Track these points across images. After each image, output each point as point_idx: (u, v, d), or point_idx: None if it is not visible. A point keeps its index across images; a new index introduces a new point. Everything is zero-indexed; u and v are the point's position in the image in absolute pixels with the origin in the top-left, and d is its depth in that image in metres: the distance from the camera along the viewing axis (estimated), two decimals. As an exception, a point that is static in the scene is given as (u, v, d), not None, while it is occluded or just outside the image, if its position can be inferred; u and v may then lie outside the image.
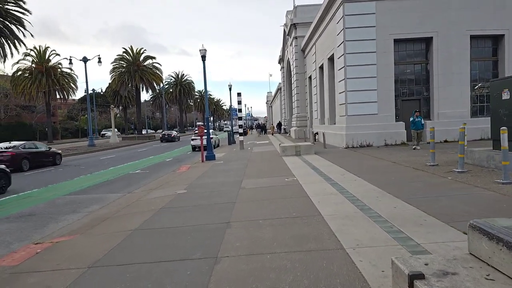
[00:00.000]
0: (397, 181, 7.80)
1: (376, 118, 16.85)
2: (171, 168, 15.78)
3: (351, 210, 5.61)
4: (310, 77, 28.85)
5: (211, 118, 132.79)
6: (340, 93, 17.93)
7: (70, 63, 32.54)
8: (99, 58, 34.42)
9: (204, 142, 17.56)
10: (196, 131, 21.61)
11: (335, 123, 20.52)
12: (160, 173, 14.42)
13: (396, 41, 16.96)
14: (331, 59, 20.94)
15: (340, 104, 17.97)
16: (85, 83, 32.46)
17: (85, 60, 32.52)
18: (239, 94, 23.48)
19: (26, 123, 61.02)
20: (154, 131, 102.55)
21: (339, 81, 17.89)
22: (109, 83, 52.08)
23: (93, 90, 58.80)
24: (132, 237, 5.16)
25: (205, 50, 17.39)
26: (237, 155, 18.73)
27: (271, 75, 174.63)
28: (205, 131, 17.40)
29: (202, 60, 17.36)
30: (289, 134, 36.51)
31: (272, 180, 9.31)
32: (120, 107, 76.20)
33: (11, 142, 18.01)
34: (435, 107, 16.89)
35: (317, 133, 23.82)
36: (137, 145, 37.52)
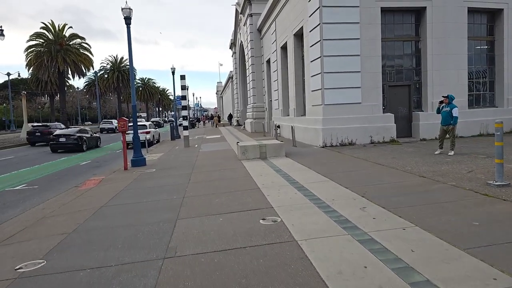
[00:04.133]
0: (499, 234, 3.79)
1: (360, 109, 13.13)
2: (75, 180, 10.56)
3: None
4: (268, 61, 24.63)
5: (157, 109, 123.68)
6: (313, 75, 13.90)
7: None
8: (1, 31, 26.68)
9: (129, 138, 12.48)
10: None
11: (303, 115, 16.57)
12: (53, 190, 9.22)
13: (383, 10, 13.30)
14: (298, 35, 16.84)
15: (313, 91, 13.97)
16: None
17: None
18: (182, 77, 18.53)
19: None
20: (91, 123, 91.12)
21: (312, 61, 13.84)
22: (26, 66, 42.90)
23: (8, 74, 48.90)
24: None
25: (129, 9, 12.13)
26: (179, 156, 13.90)
27: (221, 65, 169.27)
28: (130, 124, 12.31)
29: (126, 23, 12.10)
30: (244, 127, 32.18)
31: (235, 224, 4.84)
32: (46, 96, 65.78)
33: None
34: (429, 95, 13.61)
35: (279, 126, 19.75)
36: (57, 141, 30.29)
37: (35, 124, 28.31)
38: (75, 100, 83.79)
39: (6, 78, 52.28)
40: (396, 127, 13.31)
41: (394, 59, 13.95)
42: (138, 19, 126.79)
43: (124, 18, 12.07)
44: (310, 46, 13.98)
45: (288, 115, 19.16)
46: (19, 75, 53.90)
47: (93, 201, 7.23)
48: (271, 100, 24.51)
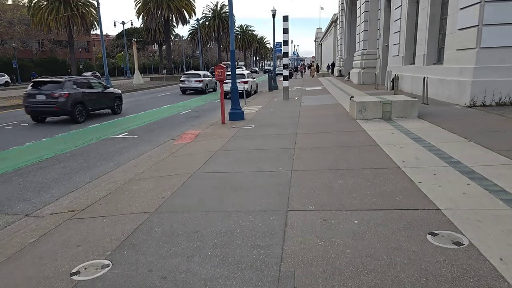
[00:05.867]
0: None
1: (538, 54, 9.11)
2: (173, 132, 10.01)
3: None
4: (387, -4, 20.11)
5: (254, 58, 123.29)
6: (463, 8, 10.09)
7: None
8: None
9: (227, 88, 11.25)
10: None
11: (436, 63, 12.88)
12: (150, 142, 8.71)
13: None
14: (442, -47, 12.53)
15: (461, 29, 10.24)
16: (97, 8, 26.48)
17: (94, -22, 26.13)
18: (285, 19, 16.23)
19: (58, 59, 58.21)
20: (195, 71, 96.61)
21: (466, -15, 9.93)
22: (136, 14, 45.67)
23: (123, 23, 53.15)
24: None
25: None
26: (279, 111, 12.26)
27: (322, 8, 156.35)
28: (228, 72, 10.95)
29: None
30: (348, 77, 28.62)
31: (385, 238, 2.93)
32: (155, 45, 70.85)
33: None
34: None
35: (397, 78, 16.23)
36: (162, 87, 32.07)
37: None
38: (181, 49, 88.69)
39: (122, 28, 57.16)
40: None
41: None
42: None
43: None
44: (465, -36, 9.97)
45: (413, 63, 15.40)
46: (131, 24, 58.19)
47: (185, 163, 6.15)
48: (387, 45, 20.44)
